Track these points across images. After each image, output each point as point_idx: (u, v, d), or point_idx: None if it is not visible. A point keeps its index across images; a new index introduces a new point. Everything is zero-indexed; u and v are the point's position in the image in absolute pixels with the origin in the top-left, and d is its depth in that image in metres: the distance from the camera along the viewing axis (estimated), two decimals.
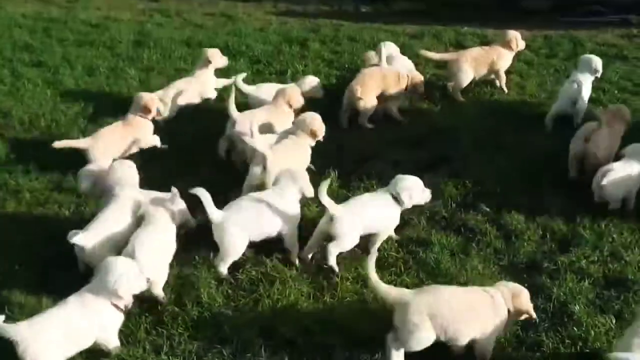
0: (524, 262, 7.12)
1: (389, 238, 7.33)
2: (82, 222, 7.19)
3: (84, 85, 11.07)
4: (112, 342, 6.03)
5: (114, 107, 10.13)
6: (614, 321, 6.27)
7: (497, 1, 14.52)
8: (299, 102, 9.04)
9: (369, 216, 7.06)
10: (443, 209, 7.88)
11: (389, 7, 14.52)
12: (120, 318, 6.06)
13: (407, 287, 6.52)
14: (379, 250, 6.90)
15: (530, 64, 11.61)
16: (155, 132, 9.07)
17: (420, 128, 9.45)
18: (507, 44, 10.49)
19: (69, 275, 6.85)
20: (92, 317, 5.84)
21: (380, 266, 6.91)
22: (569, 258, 7.10)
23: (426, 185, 7.31)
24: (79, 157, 8.62)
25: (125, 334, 6.19)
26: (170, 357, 5.99)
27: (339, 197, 7.67)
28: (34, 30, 13.50)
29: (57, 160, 8.74)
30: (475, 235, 7.46)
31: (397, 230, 7.44)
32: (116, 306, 5.95)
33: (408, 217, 7.64)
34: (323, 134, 8.22)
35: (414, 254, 7.17)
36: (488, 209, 7.82)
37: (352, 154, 8.99)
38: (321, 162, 8.52)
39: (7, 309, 6.32)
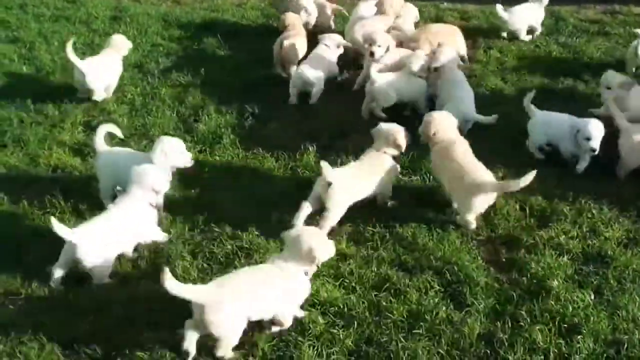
0: (502, 237, 7.07)
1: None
2: (55, 196, 7.36)
3: (59, 61, 10.89)
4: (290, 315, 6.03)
5: None
6: (592, 297, 6.23)
7: None
8: None
9: None
10: (421, 183, 7.84)
11: None
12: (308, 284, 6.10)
13: (384, 261, 6.54)
14: (355, 224, 6.96)
15: (510, 39, 11.53)
16: None
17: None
18: None
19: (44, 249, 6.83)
20: (292, 284, 5.92)
21: (356, 241, 6.90)
22: (548, 233, 7.04)
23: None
24: (55, 134, 8.76)
25: (98, 307, 6.13)
26: (145, 329, 5.91)
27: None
28: (10, 6, 13.25)
29: (34, 135, 8.79)
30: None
31: (373, 204, 7.44)
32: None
33: None
34: None
35: (391, 228, 7.11)
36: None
37: (330, 129, 8.95)
38: (299, 137, 8.55)
39: None
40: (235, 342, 5.68)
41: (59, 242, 6.59)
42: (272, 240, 6.91)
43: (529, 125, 8.33)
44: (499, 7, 11.18)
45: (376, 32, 9.57)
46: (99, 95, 9.54)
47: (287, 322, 5.94)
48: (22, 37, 11.76)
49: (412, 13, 11.17)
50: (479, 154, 7.64)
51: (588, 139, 7.68)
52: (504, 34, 11.44)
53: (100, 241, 6.37)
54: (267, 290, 5.77)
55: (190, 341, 5.63)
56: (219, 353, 5.66)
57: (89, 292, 6.31)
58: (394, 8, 10.80)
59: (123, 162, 7.23)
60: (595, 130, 7.68)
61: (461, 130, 7.97)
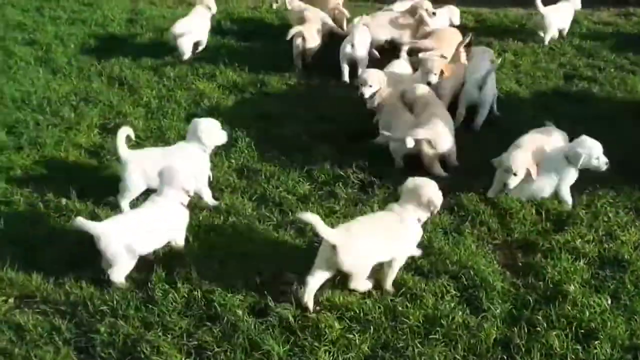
0: (518, 241, 7.06)
1: None
2: (70, 198, 7.45)
3: (75, 63, 10.97)
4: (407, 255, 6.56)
5: (106, 85, 10.08)
6: (609, 301, 6.20)
7: None
8: None
9: None
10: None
11: None
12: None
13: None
14: None
15: (525, 42, 11.51)
16: None
17: None
18: None
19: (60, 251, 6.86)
20: (408, 230, 6.44)
21: None
22: (564, 237, 7.01)
23: None
24: (71, 136, 8.81)
25: (114, 311, 6.13)
26: (161, 334, 5.90)
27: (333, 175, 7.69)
28: (27, 8, 13.36)
29: (50, 137, 8.84)
30: (469, 214, 7.36)
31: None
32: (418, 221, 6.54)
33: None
34: None
35: None
36: None
37: (345, 130, 8.96)
38: (314, 139, 8.62)
39: None
40: (366, 275, 6.23)
41: (75, 244, 6.65)
42: (287, 242, 6.94)
43: None
44: (539, 4, 11.23)
45: (369, 73, 9.12)
46: (186, 54, 11.10)
47: (401, 262, 6.42)
48: (38, 39, 11.83)
49: (454, 15, 11.26)
50: (489, 156, 7.66)
51: (598, 157, 7.42)
52: (540, 34, 11.48)
53: (124, 235, 6.33)
54: (387, 234, 6.26)
55: (309, 296, 6.11)
56: (352, 285, 6.26)
57: (104, 296, 6.30)
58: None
59: (156, 161, 7.23)
60: (597, 146, 7.42)
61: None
